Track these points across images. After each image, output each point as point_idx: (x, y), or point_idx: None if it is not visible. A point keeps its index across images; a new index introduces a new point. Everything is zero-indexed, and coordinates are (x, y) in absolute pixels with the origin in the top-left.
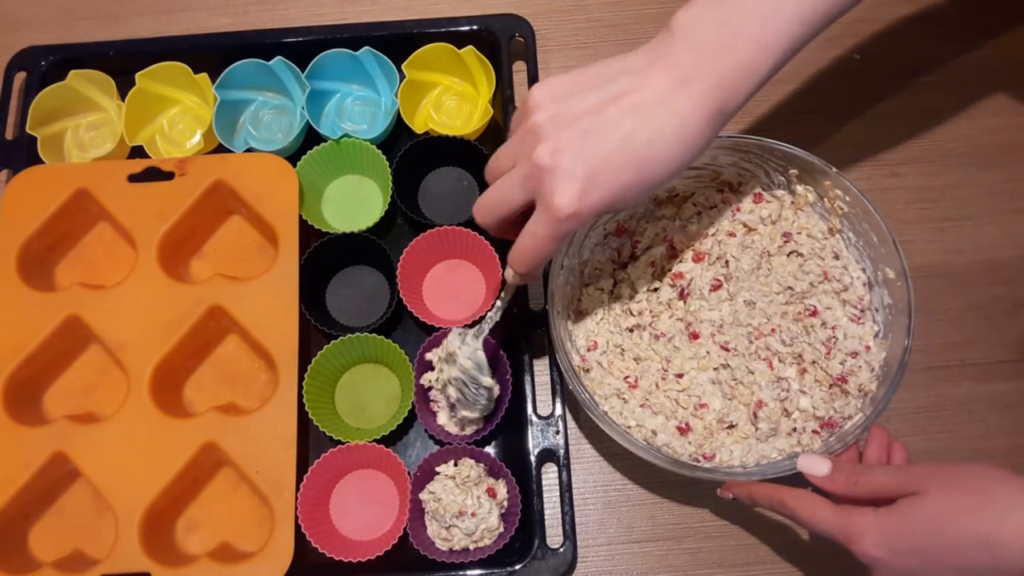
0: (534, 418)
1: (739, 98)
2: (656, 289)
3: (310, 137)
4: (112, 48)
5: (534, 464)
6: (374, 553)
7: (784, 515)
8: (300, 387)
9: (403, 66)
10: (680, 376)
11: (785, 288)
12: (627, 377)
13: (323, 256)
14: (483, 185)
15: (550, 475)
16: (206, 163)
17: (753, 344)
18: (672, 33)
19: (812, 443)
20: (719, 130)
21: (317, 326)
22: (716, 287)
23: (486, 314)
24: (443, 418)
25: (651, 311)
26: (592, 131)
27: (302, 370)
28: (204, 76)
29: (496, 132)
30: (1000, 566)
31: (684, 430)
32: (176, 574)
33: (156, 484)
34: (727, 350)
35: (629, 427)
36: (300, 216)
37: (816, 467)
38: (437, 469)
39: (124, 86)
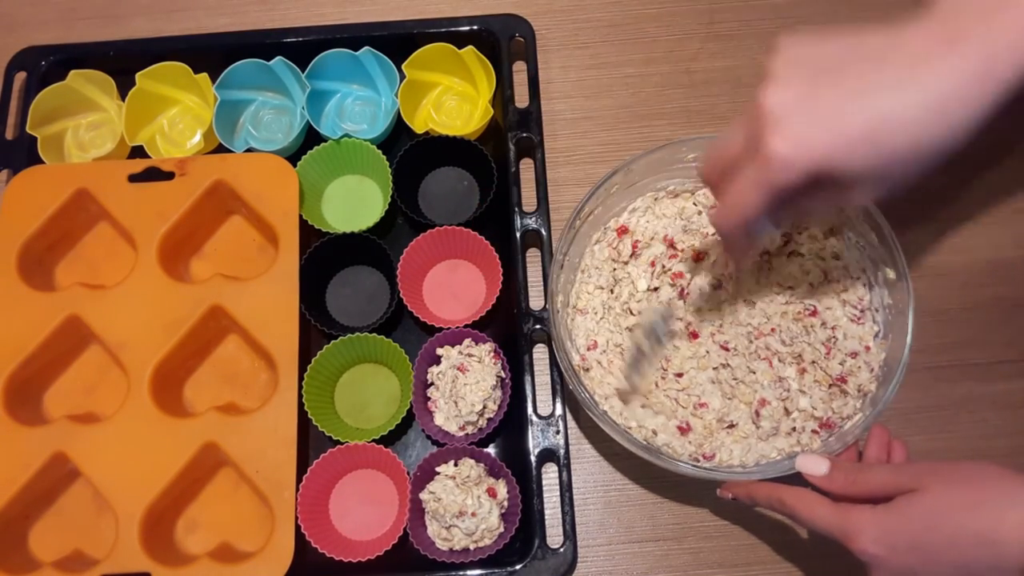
0: (534, 418)
1: (1018, 62)
2: (656, 288)
3: (310, 137)
4: (112, 48)
5: (534, 464)
6: (374, 553)
7: (783, 514)
8: (300, 387)
9: (403, 66)
10: (680, 375)
11: (785, 288)
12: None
13: (323, 256)
14: (483, 185)
15: (550, 475)
16: (206, 163)
17: (753, 344)
18: (930, 4)
19: (812, 443)
20: (996, 103)
21: (317, 326)
22: (716, 287)
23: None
24: (440, 418)
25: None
26: (829, 80)
27: (302, 370)
28: (204, 76)
29: (496, 132)
30: (998, 563)
31: (684, 430)
32: (176, 574)
33: (156, 484)
34: (727, 350)
35: (629, 427)
36: (300, 216)
37: (815, 467)
38: (437, 469)
39: (124, 86)
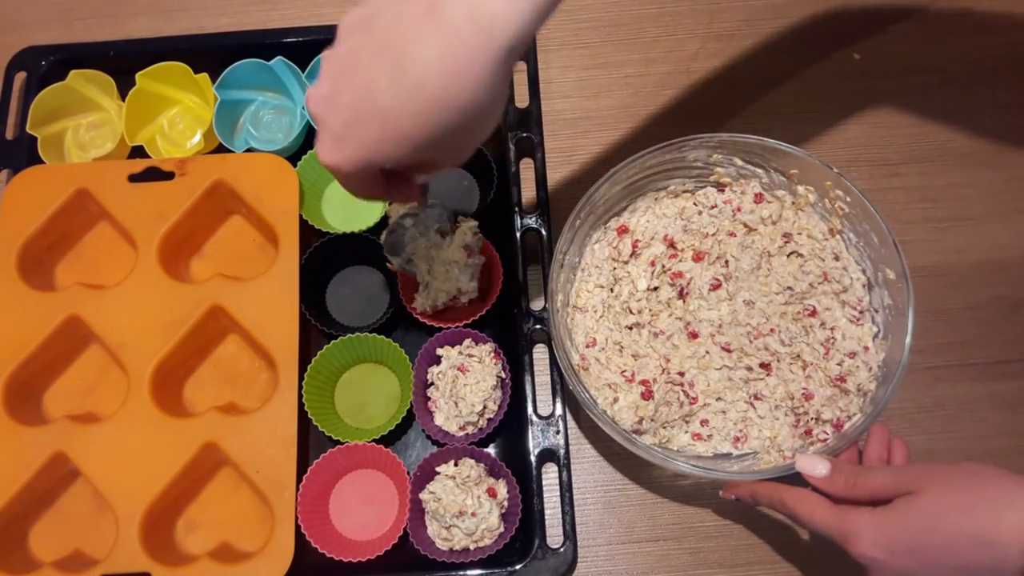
0: (534, 418)
1: (509, 28)
2: (656, 288)
3: (310, 137)
4: (112, 48)
5: (534, 464)
6: (374, 553)
7: (784, 514)
8: (300, 387)
9: None
10: (680, 375)
11: (785, 288)
12: (624, 371)
13: (323, 256)
14: (484, 185)
15: (550, 475)
16: (206, 163)
17: (752, 344)
18: None
19: (816, 443)
20: (497, 75)
21: (317, 326)
22: (715, 287)
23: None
24: (440, 419)
25: (651, 310)
26: (348, 74)
27: (302, 370)
28: (204, 76)
29: (496, 132)
30: (997, 564)
31: (696, 435)
32: (176, 574)
33: (156, 484)
34: (728, 351)
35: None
36: (300, 216)
37: (815, 468)
38: (437, 469)
39: (124, 86)
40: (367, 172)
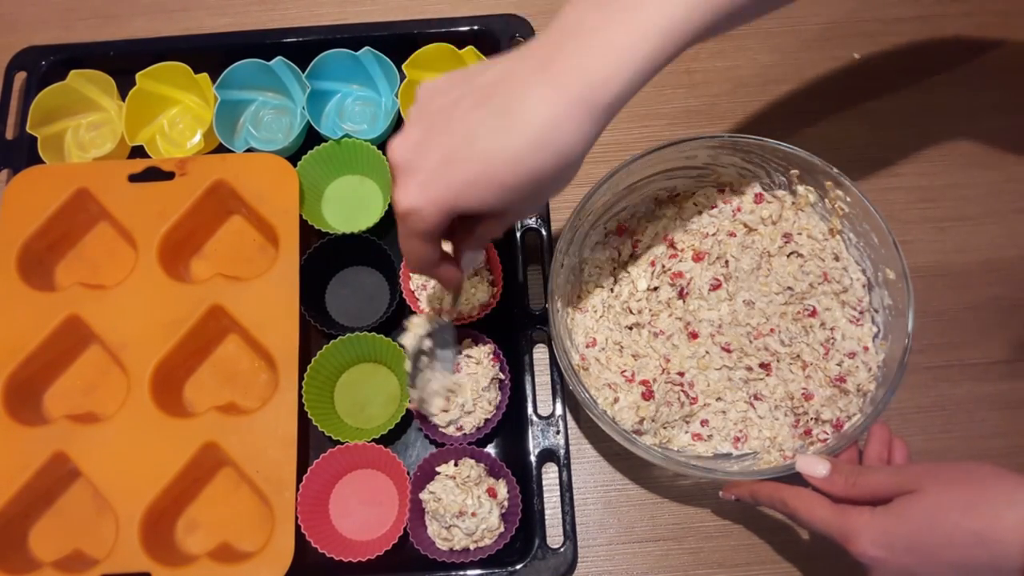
0: (534, 418)
1: (611, 88)
2: (656, 288)
3: (310, 137)
4: (112, 48)
5: (534, 464)
6: (374, 553)
7: (784, 514)
8: (300, 387)
9: (403, 66)
10: (680, 375)
11: (784, 288)
12: (624, 372)
13: (323, 256)
14: None
15: (550, 475)
16: (206, 163)
17: (752, 344)
18: (551, 24)
19: (816, 444)
20: (595, 128)
21: (317, 326)
22: (715, 287)
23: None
24: (435, 417)
25: (651, 310)
26: (443, 123)
27: (302, 370)
28: (204, 76)
29: None
30: (997, 563)
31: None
32: (176, 574)
33: (156, 484)
34: (728, 351)
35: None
36: (300, 216)
37: (815, 468)
38: (437, 469)
39: (124, 86)
40: (442, 219)
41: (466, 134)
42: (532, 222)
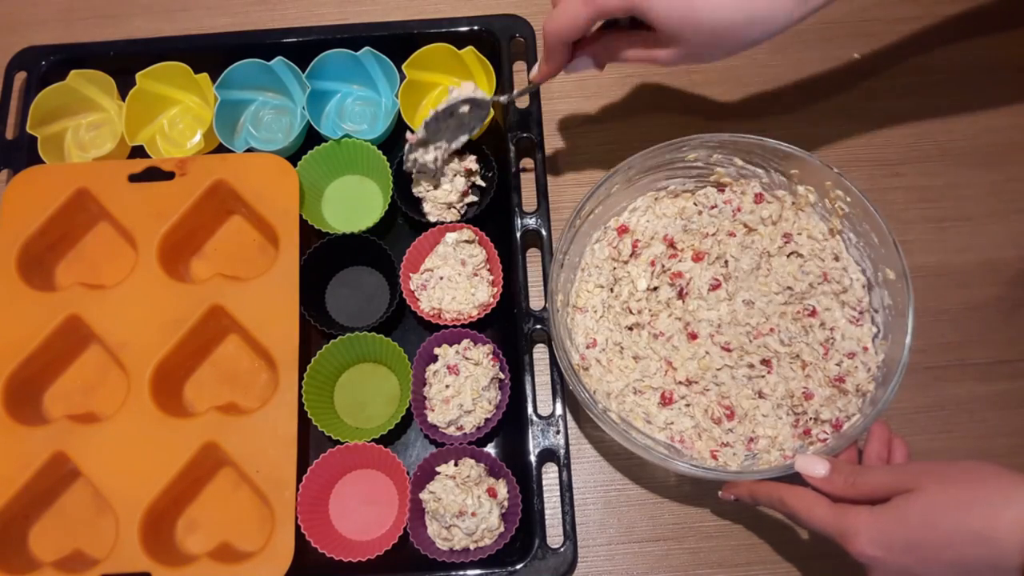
0: (534, 418)
1: None
2: (656, 288)
3: (310, 137)
4: (112, 48)
5: (534, 464)
6: (374, 553)
7: (783, 513)
8: (300, 387)
9: (403, 66)
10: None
11: (784, 288)
12: (664, 393)
13: (323, 256)
14: (484, 185)
15: (550, 475)
16: (206, 163)
17: (752, 343)
18: None
19: (815, 444)
20: (801, 18)
21: (317, 326)
22: (715, 287)
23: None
24: (432, 418)
25: (650, 310)
26: None
27: (302, 370)
28: (204, 76)
29: (496, 132)
30: (996, 561)
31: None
32: (176, 574)
33: (156, 484)
34: (727, 350)
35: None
36: (300, 216)
37: (814, 468)
38: (437, 469)
39: (124, 86)
40: None
41: None
42: (532, 222)
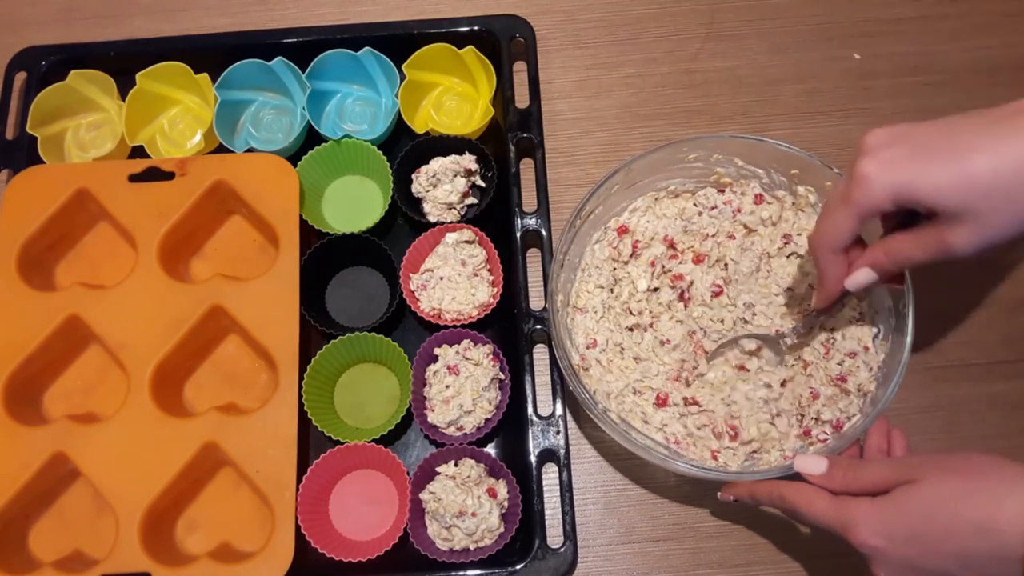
0: (534, 418)
1: None
2: (656, 289)
3: (310, 137)
4: (112, 48)
5: (534, 464)
6: (374, 553)
7: (784, 509)
8: (300, 387)
9: (403, 66)
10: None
11: (785, 290)
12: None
13: (323, 256)
14: (484, 185)
15: (550, 475)
16: (206, 163)
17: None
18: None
19: (816, 444)
20: None
21: (317, 326)
22: (717, 293)
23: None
24: (432, 418)
25: (651, 311)
26: (925, 147)
27: (302, 370)
28: (204, 76)
29: (496, 132)
30: (997, 551)
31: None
32: (176, 574)
33: (156, 484)
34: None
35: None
36: (300, 216)
37: (813, 466)
38: (437, 469)
39: (124, 86)
40: (885, 198)
41: (948, 126)
42: (532, 222)
